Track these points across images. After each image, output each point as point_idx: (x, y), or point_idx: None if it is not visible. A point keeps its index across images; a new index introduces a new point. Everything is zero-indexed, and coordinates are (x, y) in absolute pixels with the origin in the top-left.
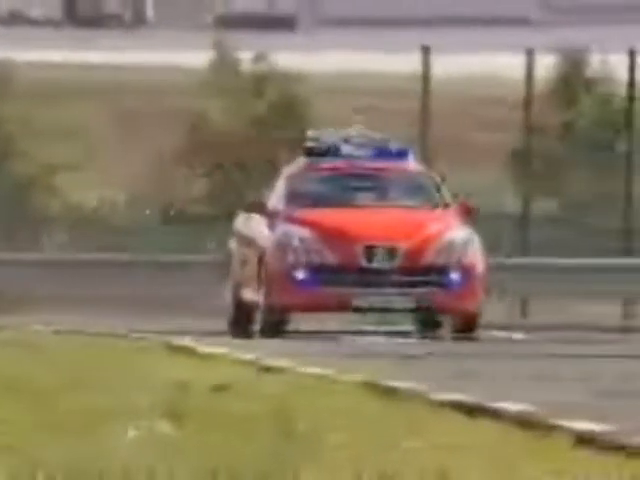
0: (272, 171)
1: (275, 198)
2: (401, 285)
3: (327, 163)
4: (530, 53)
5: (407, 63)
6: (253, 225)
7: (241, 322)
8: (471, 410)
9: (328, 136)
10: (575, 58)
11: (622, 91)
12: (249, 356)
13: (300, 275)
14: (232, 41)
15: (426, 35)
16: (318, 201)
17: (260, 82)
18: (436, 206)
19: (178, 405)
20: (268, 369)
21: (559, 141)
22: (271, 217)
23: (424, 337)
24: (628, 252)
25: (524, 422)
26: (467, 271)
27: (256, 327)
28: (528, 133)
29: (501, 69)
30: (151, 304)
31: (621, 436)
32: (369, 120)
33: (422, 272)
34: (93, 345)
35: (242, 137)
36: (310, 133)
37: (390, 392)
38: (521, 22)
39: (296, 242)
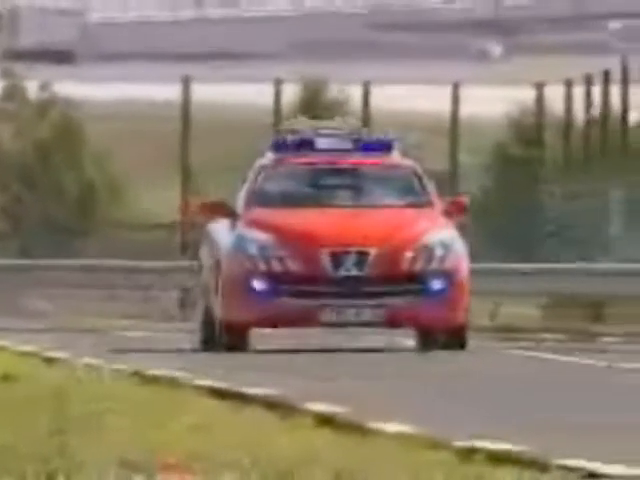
0: (59, 189)
1: (240, 198)
2: (374, 296)
3: (298, 158)
4: (278, 83)
5: (170, 92)
6: (218, 228)
7: (210, 338)
8: (226, 395)
9: (302, 128)
10: (315, 87)
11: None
12: (34, 348)
13: (258, 285)
14: (20, 72)
15: (188, 67)
16: (284, 201)
17: (43, 108)
18: (420, 205)
19: None
20: (50, 360)
21: None
22: (232, 219)
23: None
24: None
25: (273, 405)
26: (449, 278)
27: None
28: None
29: (254, 97)
30: None
31: (357, 417)
32: (135, 142)
33: (397, 280)
34: None
35: (29, 157)
36: (283, 125)
37: (156, 380)
38: (271, 57)
39: (254, 248)
